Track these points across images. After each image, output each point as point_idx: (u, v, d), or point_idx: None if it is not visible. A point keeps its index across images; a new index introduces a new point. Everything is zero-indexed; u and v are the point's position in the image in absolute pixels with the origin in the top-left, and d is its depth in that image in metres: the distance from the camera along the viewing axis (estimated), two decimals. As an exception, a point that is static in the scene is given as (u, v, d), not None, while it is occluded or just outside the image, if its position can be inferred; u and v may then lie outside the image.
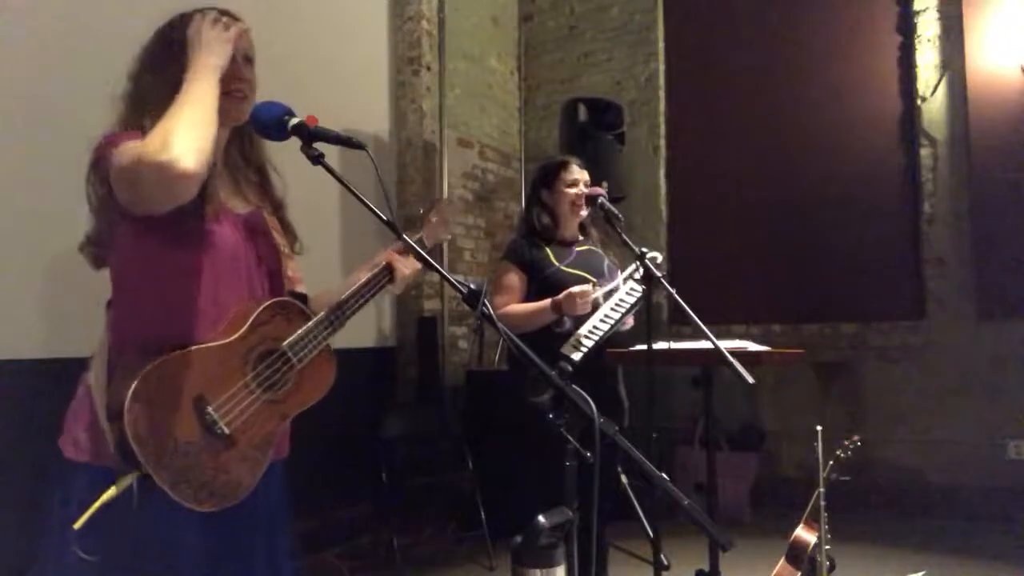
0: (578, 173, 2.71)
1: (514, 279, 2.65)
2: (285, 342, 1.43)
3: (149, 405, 1.24)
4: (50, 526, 1.33)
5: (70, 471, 1.34)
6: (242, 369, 1.37)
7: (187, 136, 1.27)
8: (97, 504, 1.22)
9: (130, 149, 1.30)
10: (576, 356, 2.34)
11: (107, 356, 1.37)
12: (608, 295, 2.52)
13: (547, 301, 2.50)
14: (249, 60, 1.52)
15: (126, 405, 1.22)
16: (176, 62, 1.41)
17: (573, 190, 2.67)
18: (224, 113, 1.44)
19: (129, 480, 1.24)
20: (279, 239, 1.56)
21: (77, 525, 1.20)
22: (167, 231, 1.36)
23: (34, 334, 2.71)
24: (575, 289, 2.42)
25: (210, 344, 1.35)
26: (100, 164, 1.36)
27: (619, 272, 2.68)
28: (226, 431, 1.32)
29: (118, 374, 1.30)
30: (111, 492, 1.23)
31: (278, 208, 1.62)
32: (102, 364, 1.37)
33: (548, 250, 2.69)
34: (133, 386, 1.23)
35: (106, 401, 1.29)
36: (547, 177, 2.74)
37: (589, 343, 2.37)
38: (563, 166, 2.72)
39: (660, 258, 2.45)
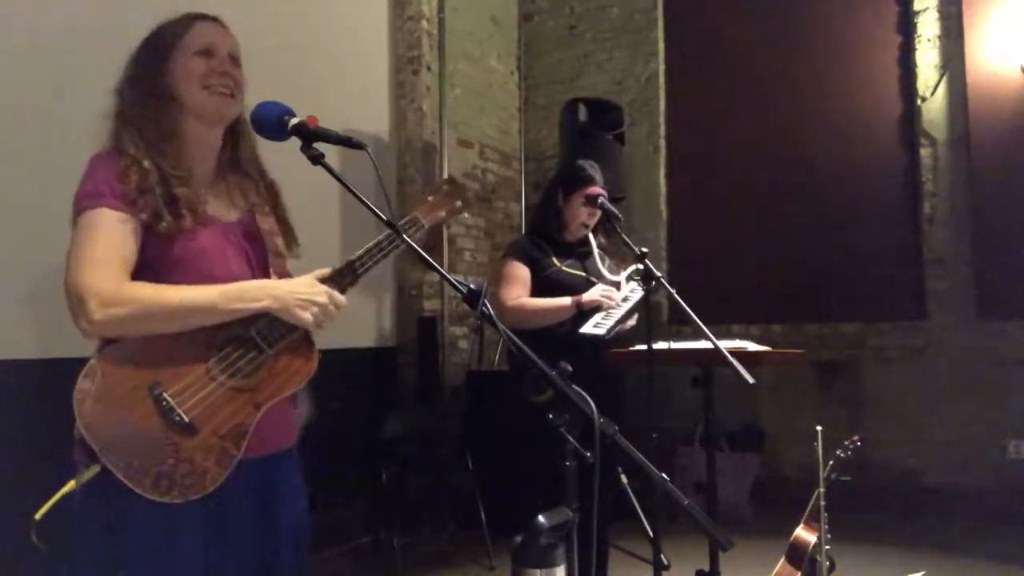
0: (599, 190, 2.66)
1: (524, 271, 2.67)
2: (253, 327, 1.36)
3: (98, 393, 1.21)
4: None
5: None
6: (204, 355, 1.31)
7: (130, 319, 1.27)
8: (53, 499, 1.19)
9: (84, 246, 1.29)
10: (601, 331, 2.45)
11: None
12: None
13: (567, 299, 2.55)
14: (234, 58, 1.49)
15: (74, 394, 1.19)
16: (156, 72, 1.43)
17: (587, 209, 2.67)
18: (210, 112, 1.45)
19: (91, 472, 1.20)
20: (271, 241, 1.53)
21: (38, 515, 1.18)
22: (151, 242, 1.36)
23: (33, 334, 2.71)
24: (604, 289, 2.56)
25: None
26: (73, 212, 1.35)
27: (620, 272, 2.70)
28: (185, 418, 1.26)
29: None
30: (71, 484, 1.20)
31: (275, 208, 1.59)
32: None
33: (550, 249, 2.70)
34: (81, 374, 1.21)
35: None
36: (568, 185, 2.72)
37: (610, 322, 2.48)
38: (588, 182, 2.68)
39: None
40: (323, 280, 1.42)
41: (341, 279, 1.44)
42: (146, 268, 1.35)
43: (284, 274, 1.53)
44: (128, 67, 1.47)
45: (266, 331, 1.36)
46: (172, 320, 1.29)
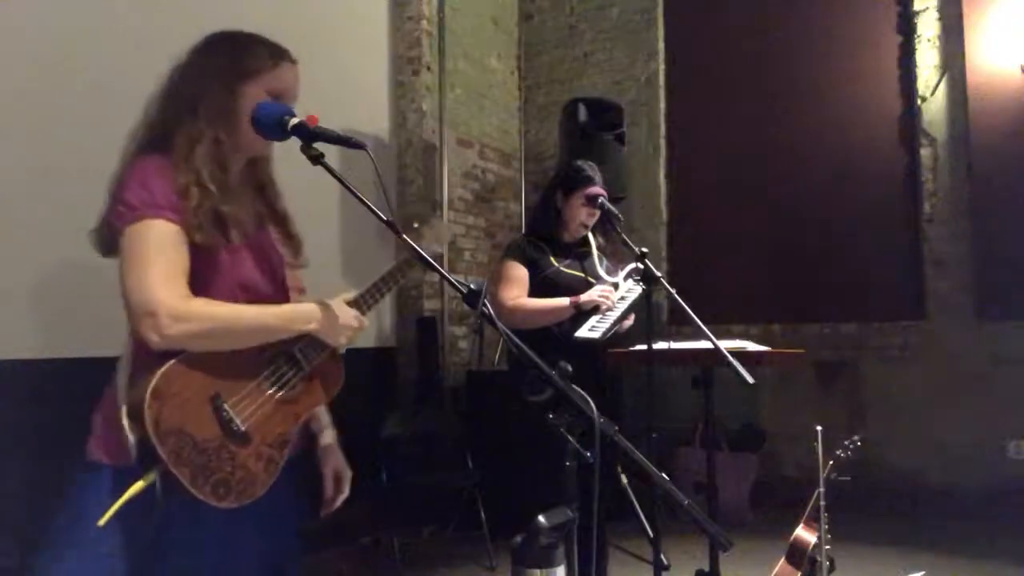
0: (599, 191, 2.68)
1: (522, 272, 2.67)
2: (296, 345, 1.46)
3: (168, 402, 1.28)
4: (71, 528, 1.33)
5: (94, 473, 1.36)
6: (255, 369, 1.41)
7: (199, 335, 1.32)
8: (120, 501, 1.24)
9: (150, 258, 1.31)
10: (596, 335, 2.44)
11: (131, 357, 1.39)
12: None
13: (565, 299, 2.55)
14: (295, 99, 1.54)
15: (146, 402, 1.25)
16: (230, 92, 1.44)
17: (587, 209, 2.67)
18: (254, 150, 1.51)
19: (151, 478, 1.27)
20: (281, 252, 1.60)
21: (101, 522, 1.23)
22: (204, 261, 1.40)
23: (33, 334, 2.71)
24: (602, 289, 2.54)
25: None
26: (127, 215, 1.35)
27: (619, 272, 2.70)
28: (242, 428, 1.35)
29: (139, 373, 1.33)
30: (134, 489, 1.25)
31: (282, 221, 1.63)
32: (127, 364, 1.39)
33: (548, 250, 2.70)
34: (152, 383, 1.27)
35: (127, 400, 1.32)
36: (567, 184, 2.72)
37: (604, 325, 2.48)
38: (587, 183, 2.68)
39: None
40: (349, 303, 1.52)
41: (363, 304, 1.54)
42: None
43: (297, 286, 1.62)
44: (195, 74, 1.47)
45: (307, 349, 1.47)
46: (236, 339, 1.38)
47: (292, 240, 1.63)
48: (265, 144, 1.51)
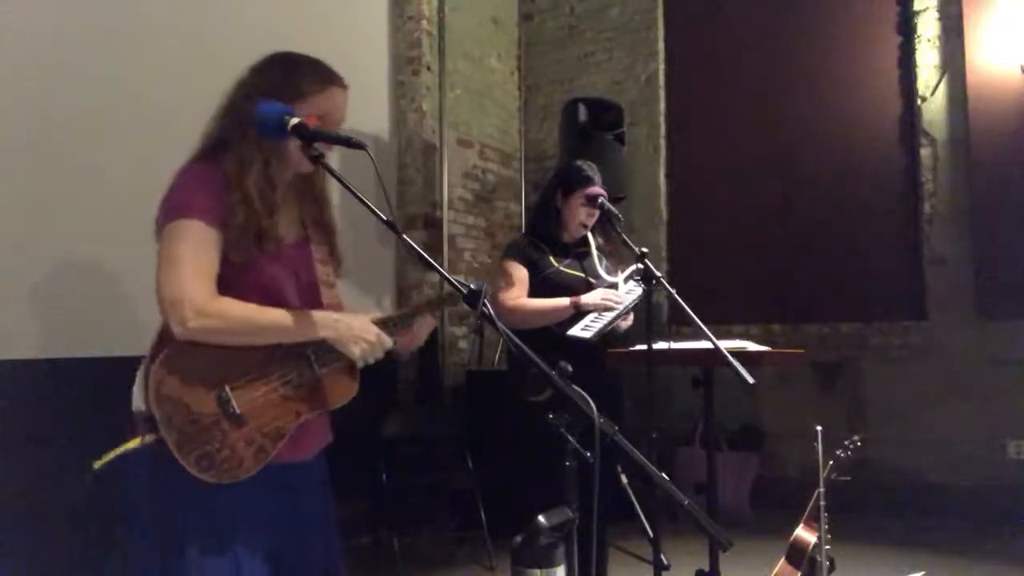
0: (599, 191, 2.68)
1: (523, 272, 2.67)
2: (309, 348, 1.50)
3: (172, 373, 1.38)
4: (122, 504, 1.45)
5: (140, 450, 1.44)
6: (266, 363, 1.47)
7: (219, 331, 1.41)
8: (113, 453, 1.35)
9: (188, 256, 1.41)
10: (588, 335, 2.44)
11: (162, 339, 1.46)
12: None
13: (566, 300, 2.55)
14: (341, 121, 1.57)
15: (153, 368, 1.37)
16: (247, 109, 1.48)
17: (586, 209, 2.67)
18: (296, 167, 1.54)
19: (149, 439, 1.36)
20: (321, 268, 1.64)
21: (97, 465, 1.35)
22: (229, 262, 1.47)
23: (34, 334, 2.71)
24: (606, 292, 2.56)
25: None
26: (158, 220, 1.47)
27: (618, 272, 2.70)
28: (237, 411, 1.41)
29: (157, 352, 1.43)
30: (129, 444, 1.36)
31: (328, 237, 1.68)
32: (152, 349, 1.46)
33: (548, 250, 2.71)
34: (165, 353, 1.38)
35: (143, 370, 1.42)
36: (567, 184, 2.72)
37: (598, 325, 2.48)
38: (587, 183, 2.68)
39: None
40: (375, 322, 1.56)
41: (389, 325, 1.59)
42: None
43: (336, 304, 1.64)
44: (247, 93, 1.52)
45: (320, 353, 1.51)
46: (251, 336, 1.46)
47: (333, 256, 1.69)
48: (305, 167, 1.54)
